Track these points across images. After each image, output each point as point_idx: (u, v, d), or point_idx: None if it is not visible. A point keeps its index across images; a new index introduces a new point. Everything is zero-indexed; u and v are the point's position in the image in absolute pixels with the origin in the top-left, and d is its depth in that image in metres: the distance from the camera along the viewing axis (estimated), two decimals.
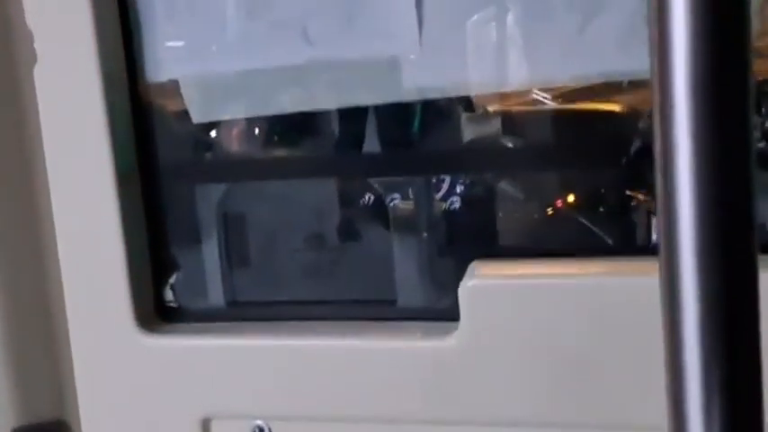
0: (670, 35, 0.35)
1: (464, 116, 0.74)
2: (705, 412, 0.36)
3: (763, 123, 0.66)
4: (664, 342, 0.38)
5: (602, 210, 0.73)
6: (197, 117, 0.79)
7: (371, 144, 0.77)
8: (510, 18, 0.70)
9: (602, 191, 0.73)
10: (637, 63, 0.66)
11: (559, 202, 0.74)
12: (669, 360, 0.38)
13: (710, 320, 0.36)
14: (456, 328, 0.71)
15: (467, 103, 0.74)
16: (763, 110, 0.66)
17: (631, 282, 0.66)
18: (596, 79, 0.68)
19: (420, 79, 0.73)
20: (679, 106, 0.36)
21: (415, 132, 0.76)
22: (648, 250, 0.69)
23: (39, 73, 0.77)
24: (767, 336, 0.37)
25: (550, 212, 0.74)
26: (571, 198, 0.74)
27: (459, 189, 0.75)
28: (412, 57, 0.72)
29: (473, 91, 0.73)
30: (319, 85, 0.76)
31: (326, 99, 0.76)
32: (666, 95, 0.36)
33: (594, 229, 0.72)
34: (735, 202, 0.36)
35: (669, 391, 0.37)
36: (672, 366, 0.37)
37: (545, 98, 0.71)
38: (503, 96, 0.73)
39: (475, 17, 0.71)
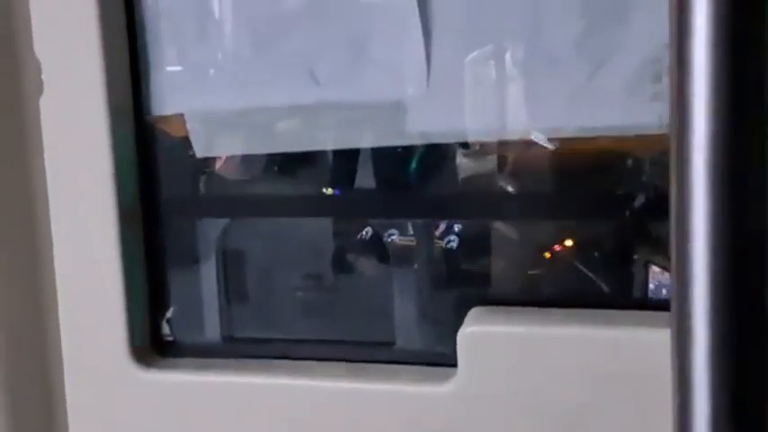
0: (690, 87, 0.36)
1: (462, 157, 0.74)
2: None
3: None
4: (672, 397, 0.38)
5: (604, 261, 0.73)
6: (200, 152, 0.79)
7: (370, 184, 0.77)
8: (517, 66, 0.71)
9: (605, 241, 0.74)
10: (642, 117, 0.66)
11: (560, 250, 0.74)
12: (678, 414, 0.38)
13: (721, 373, 0.36)
14: (454, 374, 0.71)
15: (468, 148, 0.74)
16: None
17: (634, 335, 0.66)
18: (603, 132, 0.69)
19: (425, 123, 0.73)
20: (696, 161, 0.36)
21: (416, 174, 0.76)
22: (651, 303, 0.69)
23: (45, 104, 0.77)
24: None
25: (552, 261, 0.74)
26: (571, 246, 0.74)
27: (456, 228, 0.75)
28: (418, 100, 0.73)
29: (478, 137, 0.73)
30: (323, 125, 0.76)
31: (329, 139, 0.76)
32: (684, 149, 0.36)
33: (596, 279, 0.73)
34: (749, 260, 0.36)
35: None
36: (680, 421, 0.38)
37: (547, 144, 0.72)
38: (505, 143, 0.73)
39: (483, 63, 0.71)
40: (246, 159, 0.80)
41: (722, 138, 0.35)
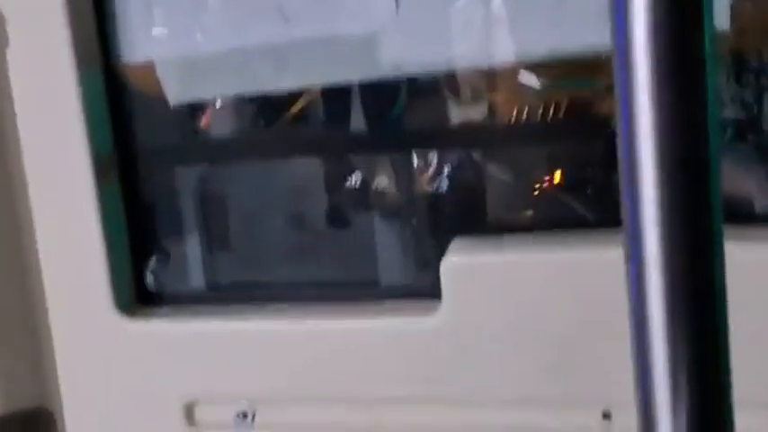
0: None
1: (448, 95, 0.73)
2: (672, 389, 0.35)
3: (742, 95, 0.65)
4: (628, 318, 0.38)
5: (586, 187, 0.72)
6: (174, 98, 0.78)
7: (355, 122, 0.76)
8: None
9: (587, 168, 0.72)
10: None
11: (544, 180, 0.73)
12: (635, 336, 0.37)
13: (675, 296, 0.36)
14: (439, 307, 0.70)
15: (453, 86, 0.73)
16: (743, 81, 0.65)
17: (616, 256, 0.65)
18: (574, 52, 0.67)
19: (397, 55, 0.72)
20: (641, 72, 0.35)
21: (398, 111, 0.75)
22: None
23: (11, 56, 0.76)
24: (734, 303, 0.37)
25: (535, 190, 0.73)
26: (555, 176, 0.73)
27: (444, 170, 0.74)
28: (389, 32, 0.72)
29: (450, 66, 0.72)
30: (297, 63, 0.75)
31: (304, 77, 0.75)
32: (628, 57, 0.35)
33: (579, 206, 0.72)
34: (696, 163, 0.35)
35: (636, 370, 0.37)
36: (637, 341, 0.37)
37: (527, 76, 0.70)
38: (488, 79, 0.72)
39: None
40: (232, 113, 0.79)
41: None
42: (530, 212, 0.73)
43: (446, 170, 0.74)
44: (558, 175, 0.72)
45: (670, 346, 0.36)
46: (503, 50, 0.70)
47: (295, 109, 0.77)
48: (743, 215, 0.66)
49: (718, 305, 0.36)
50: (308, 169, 0.79)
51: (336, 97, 0.76)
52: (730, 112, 0.66)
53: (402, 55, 0.72)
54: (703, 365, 0.36)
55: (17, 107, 0.76)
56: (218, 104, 0.79)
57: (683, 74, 0.35)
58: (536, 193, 0.73)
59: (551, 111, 0.71)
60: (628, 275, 0.37)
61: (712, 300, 0.36)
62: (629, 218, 0.37)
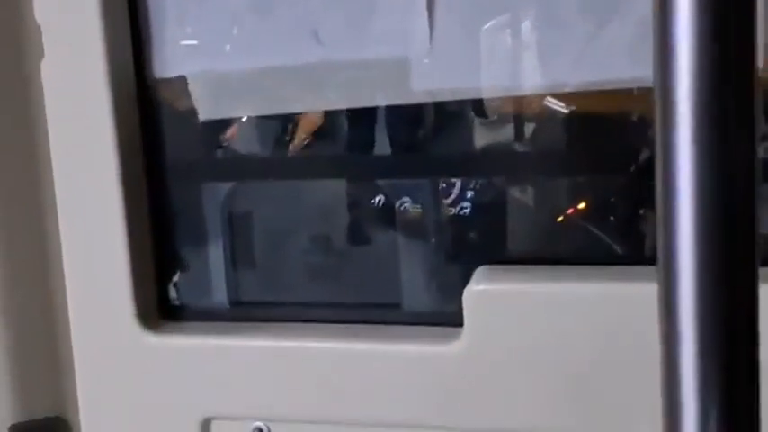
0: (674, 40, 0.35)
1: (477, 121, 0.73)
2: (701, 426, 0.35)
3: None
4: (660, 355, 0.37)
5: (612, 219, 0.72)
6: (204, 115, 0.78)
7: (382, 146, 0.76)
8: (521, 23, 0.69)
9: (613, 200, 0.72)
10: (646, 71, 0.65)
11: (570, 210, 0.73)
12: (665, 374, 0.37)
13: (708, 335, 0.35)
14: (460, 334, 0.70)
15: (480, 108, 0.73)
16: None
17: (639, 291, 0.65)
18: (605, 86, 0.67)
19: (429, 82, 0.72)
20: (682, 113, 0.35)
21: (426, 135, 0.75)
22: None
23: (46, 68, 0.76)
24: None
25: (560, 220, 0.73)
26: (581, 206, 0.73)
27: (469, 195, 0.75)
28: (422, 59, 0.72)
29: (482, 95, 0.72)
30: (328, 85, 0.75)
31: (335, 99, 0.76)
32: (669, 102, 0.35)
33: (604, 237, 0.72)
34: (737, 212, 0.35)
35: (665, 405, 0.36)
36: (668, 381, 0.37)
37: (558, 105, 0.71)
38: (516, 102, 0.72)
39: (487, 21, 0.70)
40: (258, 128, 0.79)
41: (707, 88, 0.34)
42: (555, 242, 0.73)
43: (470, 195, 0.75)
44: (583, 205, 0.73)
45: (701, 382, 0.36)
46: (534, 82, 0.70)
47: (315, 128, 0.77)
48: None
49: (750, 347, 0.36)
50: (333, 189, 0.80)
51: (362, 118, 0.76)
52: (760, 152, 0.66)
53: (434, 81, 0.72)
54: (733, 402, 0.36)
55: (49, 118, 0.77)
56: (244, 118, 0.80)
57: (726, 117, 0.35)
58: (562, 222, 0.73)
59: (579, 139, 0.71)
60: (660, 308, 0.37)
61: (746, 342, 0.36)
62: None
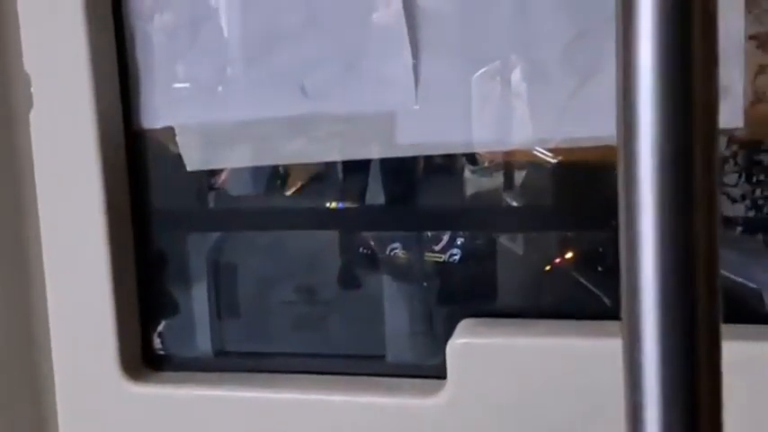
0: (636, 89, 0.35)
1: (467, 169, 0.74)
2: None
3: (753, 191, 0.66)
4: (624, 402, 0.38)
5: (600, 271, 0.72)
6: (191, 165, 0.79)
7: (370, 197, 0.77)
8: (506, 78, 0.70)
9: (601, 251, 0.73)
10: None
11: (557, 262, 0.73)
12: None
13: (671, 387, 0.36)
14: (443, 387, 0.71)
15: (469, 157, 0.74)
16: (755, 179, 0.66)
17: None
18: (587, 142, 0.68)
19: (414, 135, 0.73)
20: (644, 160, 0.35)
21: (413, 187, 0.75)
22: None
23: (34, 118, 0.77)
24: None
25: (547, 272, 0.73)
26: (569, 258, 0.73)
27: (459, 242, 0.75)
28: (408, 112, 0.73)
29: (467, 149, 0.73)
30: (316, 138, 0.76)
31: (321, 152, 0.76)
32: (630, 152, 0.36)
33: (593, 290, 0.72)
34: (700, 258, 0.35)
35: None
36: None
37: (546, 156, 0.71)
38: (504, 159, 0.73)
39: (472, 74, 0.71)
40: (249, 174, 0.80)
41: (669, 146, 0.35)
42: (541, 295, 0.74)
43: (457, 249, 0.75)
44: (569, 258, 0.73)
45: None
46: (518, 137, 0.71)
47: (303, 180, 0.78)
48: (752, 312, 0.67)
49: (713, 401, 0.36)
50: (319, 239, 0.80)
51: (353, 168, 0.77)
52: (740, 210, 0.67)
53: (419, 135, 0.73)
54: None
55: (36, 167, 0.77)
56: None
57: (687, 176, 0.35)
58: (548, 275, 0.73)
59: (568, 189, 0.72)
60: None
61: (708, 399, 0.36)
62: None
